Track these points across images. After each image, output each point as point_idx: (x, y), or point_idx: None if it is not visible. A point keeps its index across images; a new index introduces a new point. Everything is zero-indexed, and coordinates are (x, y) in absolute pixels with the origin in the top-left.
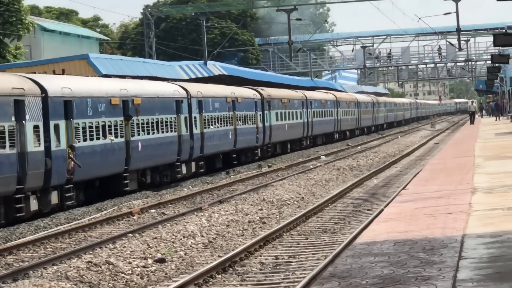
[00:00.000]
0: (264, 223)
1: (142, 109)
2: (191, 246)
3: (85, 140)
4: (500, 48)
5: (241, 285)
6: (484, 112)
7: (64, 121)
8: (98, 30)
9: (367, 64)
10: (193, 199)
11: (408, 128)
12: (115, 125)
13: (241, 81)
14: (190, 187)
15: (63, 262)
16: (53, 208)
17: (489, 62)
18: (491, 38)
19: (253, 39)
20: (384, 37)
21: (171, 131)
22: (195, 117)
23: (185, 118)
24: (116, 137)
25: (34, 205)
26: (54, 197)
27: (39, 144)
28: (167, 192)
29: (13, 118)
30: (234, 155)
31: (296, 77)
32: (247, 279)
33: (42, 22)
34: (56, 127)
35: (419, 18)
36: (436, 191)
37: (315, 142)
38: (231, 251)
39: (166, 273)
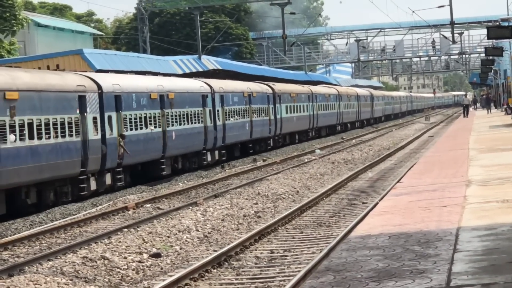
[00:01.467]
0: (259, 217)
1: (175, 102)
2: (186, 240)
3: (131, 129)
4: (494, 40)
5: (236, 279)
6: (478, 105)
7: (115, 113)
8: (92, 25)
9: (361, 58)
10: (188, 194)
11: (402, 121)
12: (154, 117)
13: (235, 76)
14: (185, 181)
15: (58, 257)
16: (106, 188)
17: (483, 55)
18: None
19: (247, 33)
20: (378, 30)
21: (198, 123)
22: (218, 110)
23: (210, 111)
24: (155, 127)
25: (93, 185)
26: (108, 179)
27: (97, 133)
28: (162, 186)
29: (77, 111)
30: (250, 145)
31: (290, 71)
32: (243, 273)
33: (36, 17)
34: (109, 118)
35: (413, 11)
36: (431, 184)
37: (320, 133)
38: (227, 245)
39: (161, 268)
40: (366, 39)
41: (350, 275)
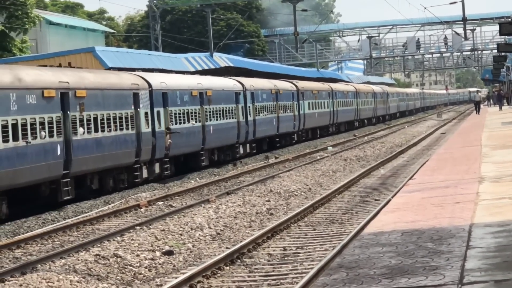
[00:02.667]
0: (271, 214)
1: (213, 99)
2: (199, 238)
3: (176, 123)
4: (506, 37)
5: (249, 276)
6: (491, 101)
7: (163, 108)
8: (104, 23)
9: (373, 54)
10: (201, 191)
11: (415, 118)
12: (195, 112)
13: (247, 73)
14: (197, 179)
15: (71, 255)
16: (155, 176)
17: (495, 51)
18: (497, 27)
19: (259, 31)
20: (390, 27)
21: (232, 118)
22: (249, 106)
23: (242, 107)
24: (195, 122)
25: (145, 173)
26: (157, 168)
27: (148, 126)
28: (174, 184)
29: (132, 107)
30: (277, 139)
31: (302, 68)
32: (255, 270)
33: (48, 15)
34: (158, 113)
35: (425, 8)
36: (443, 181)
37: (339, 129)
38: (239, 242)
39: (174, 265)
40: (378, 35)
41: (363, 272)
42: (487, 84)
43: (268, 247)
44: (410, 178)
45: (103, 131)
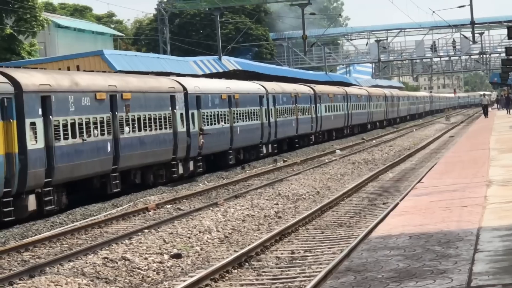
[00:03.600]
0: (279, 217)
1: (240, 102)
2: (207, 241)
3: (207, 125)
4: None
5: (257, 279)
6: (498, 105)
7: (196, 110)
8: (112, 26)
9: (381, 58)
10: (209, 194)
11: (423, 121)
12: (224, 114)
13: (255, 76)
14: (206, 182)
15: (79, 258)
16: (189, 173)
17: (504, 54)
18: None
19: (267, 34)
20: (398, 30)
21: (256, 120)
22: (271, 109)
23: (265, 109)
24: (224, 123)
25: (181, 169)
26: (191, 165)
27: (183, 126)
28: (183, 187)
29: (169, 108)
30: (296, 140)
31: (311, 72)
32: (263, 273)
33: (57, 18)
34: (192, 115)
35: (433, 11)
36: (451, 184)
37: (353, 131)
38: (247, 246)
39: (182, 269)
40: (386, 39)
41: (370, 275)
42: (495, 87)
43: (276, 250)
44: (418, 182)
45: (145, 130)
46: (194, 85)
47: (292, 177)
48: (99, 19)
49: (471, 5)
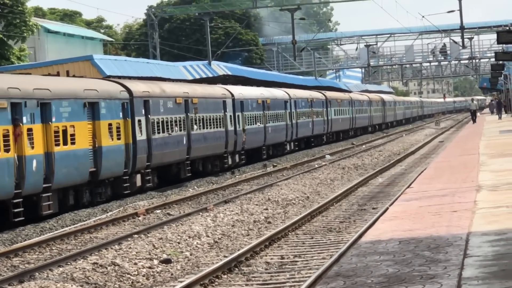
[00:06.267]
0: (269, 222)
1: (271, 106)
2: (196, 246)
3: (248, 125)
4: (504, 45)
5: (246, 285)
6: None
7: (241, 113)
8: (102, 31)
9: (371, 63)
10: (198, 200)
11: (412, 126)
12: (259, 116)
13: (245, 81)
14: (195, 187)
15: (69, 263)
16: (236, 164)
17: (493, 59)
18: (494, 36)
19: (257, 39)
20: (388, 35)
21: (282, 121)
22: (293, 112)
23: (289, 112)
24: (260, 123)
25: (230, 161)
26: (237, 158)
27: (232, 126)
28: (172, 192)
29: (222, 111)
30: (312, 139)
31: (300, 77)
32: (253, 279)
33: (46, 23)
34: (238, 116)
35: (423, 16)
36: (441, 189)
37: (356, 133)
38: (237, 251)
39: (172, 274)
40: (376, 44)
41: (360, 280)
42: (485, 92)
43: (266, 256)
44: (408, 187)
45: (207, 128)
46: (239, 92)
47: (281, 182)
48: (88, 24)
49: (460, 10)
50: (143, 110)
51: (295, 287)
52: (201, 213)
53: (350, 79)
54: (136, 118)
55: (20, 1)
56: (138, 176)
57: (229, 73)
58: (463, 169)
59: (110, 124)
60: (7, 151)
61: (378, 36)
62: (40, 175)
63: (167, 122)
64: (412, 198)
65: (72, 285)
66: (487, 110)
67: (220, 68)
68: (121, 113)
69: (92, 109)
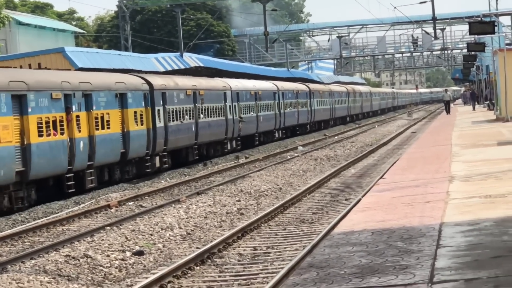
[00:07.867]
0: (242, 214)
1: (262, 97)
2: (169, 238)
3: (244, 114)
4: (476, 36)
5: (219, 276)
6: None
7: (237, 103)
8: (74, 23)
9: (343, 54)
10: (171, 191)
11: (385, 117)
12: (252, 106)
13: (217, 73)
14: (168, 179)
15: (41, 256)
16: (233, 149)
17: (465, 50)
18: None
19: (228, 31)
20: (360, 26)
21: (271, 111)
22: (280, 103)
23: (277, 103)
24: (253, 113)
25: (229, 146)
26: (234, 143)
27: (231, 115)
28: (145, 184)
29: (223, 102)
30: (297, 128)
31: (272, 68)
32: (226, 270)
33: (17, 15)
34: (235, 106)
35: (395, 7)
36: (414, 180)
37: (336, 122)
38: (210, 242)
39: (144, 266)
40: (348, 35)
41: (333, 271)
42: (457, 83)
43: (239, 247)
44: (381, 178)
45: (211, 117)
46: (235, 84)
47: (254, 173)
48: (60, 16)
49: (432, 1)
50: (161, 101)
51: (268, 278)
52: (173, 205)
53: (323, 71)
54: (156, 108)
55: None
56: (157, 158)
57: (201, 64)
58: (435, 159)
59: (135, 112)
60: (62, 133)
61: (350, 28)
62: (86, 154)
63: (179, 111)
64: (385, 189)
65: (44, 278)
66: (459, 101)
67: (192, 60)
68: (143, 102)
69: (121, 99)
